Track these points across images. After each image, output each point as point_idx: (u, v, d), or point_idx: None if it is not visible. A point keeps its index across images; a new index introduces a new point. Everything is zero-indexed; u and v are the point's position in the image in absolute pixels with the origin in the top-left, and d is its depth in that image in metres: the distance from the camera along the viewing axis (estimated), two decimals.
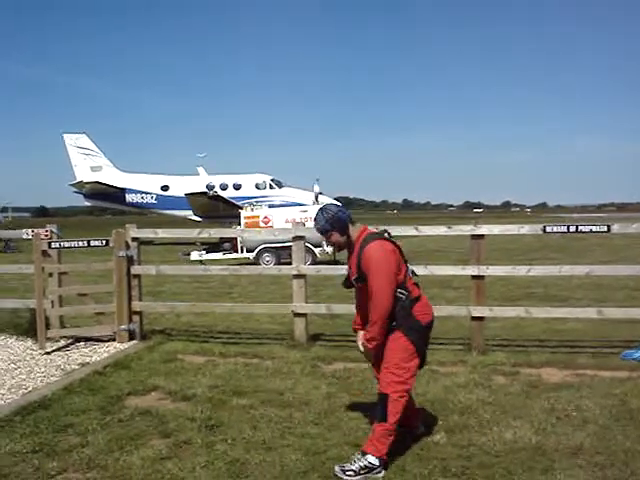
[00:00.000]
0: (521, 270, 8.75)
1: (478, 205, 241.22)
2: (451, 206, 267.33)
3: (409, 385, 4.88)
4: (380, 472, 4.66)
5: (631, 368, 7.23)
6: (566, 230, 8.22)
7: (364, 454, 4.69)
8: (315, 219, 5.01)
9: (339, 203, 5.24)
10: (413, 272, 5.05)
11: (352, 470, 4.63)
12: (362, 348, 5.12)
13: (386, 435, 4.73)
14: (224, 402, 6.32)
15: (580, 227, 8.15)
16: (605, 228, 8.04)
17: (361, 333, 5.15)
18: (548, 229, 8.16)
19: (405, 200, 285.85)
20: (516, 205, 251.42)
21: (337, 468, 4.67)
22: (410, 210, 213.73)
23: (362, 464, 4.64)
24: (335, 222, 4.91)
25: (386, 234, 5.01)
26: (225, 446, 5.19)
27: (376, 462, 4.66)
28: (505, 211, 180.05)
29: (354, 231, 4.97)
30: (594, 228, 8.13)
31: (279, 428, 5.55)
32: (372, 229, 5.19)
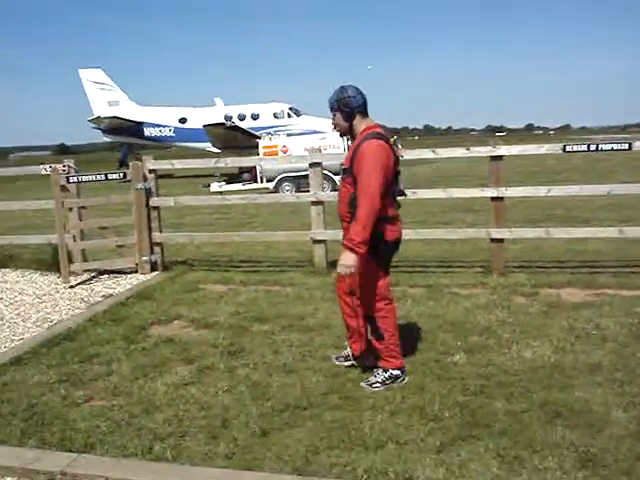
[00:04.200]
0: (541, 191, 8.60)
1: (501, 129, 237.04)
2: (473, 130, 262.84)
3: (389, 299, 4.93)
4: (404, 379, 4.87)
5: None
6: (586, 149, 8.07)
7: (385, 370, 4.85)
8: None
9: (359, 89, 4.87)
10: (399, 192, 4.83)
11: (378, 382, 4.82)
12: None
13: (391, 347, 4.88)
14: (246, 328, 6.41)
15: (601, 145, 8.01)
16: (626, 146, 7.87)
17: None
18: (568, 148, 8.02)
19: (426, 126, 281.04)
20: (539, 127, 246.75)
21: (363, 384, 4.84)
22: (432, 136, 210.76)
23: (386, 375, 4.83)
24: (342, 105, 4.72)
25: (394, 142, 4.77)
26: (247, 370, 5.28)
27: (398, 372, 4.87)
28: (528, 134, 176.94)
29: (361, 123, 4.74)
30: (615, 146, 7.98)
31: (300, 352, 5.63)
32: (382, 130, 4.78)
